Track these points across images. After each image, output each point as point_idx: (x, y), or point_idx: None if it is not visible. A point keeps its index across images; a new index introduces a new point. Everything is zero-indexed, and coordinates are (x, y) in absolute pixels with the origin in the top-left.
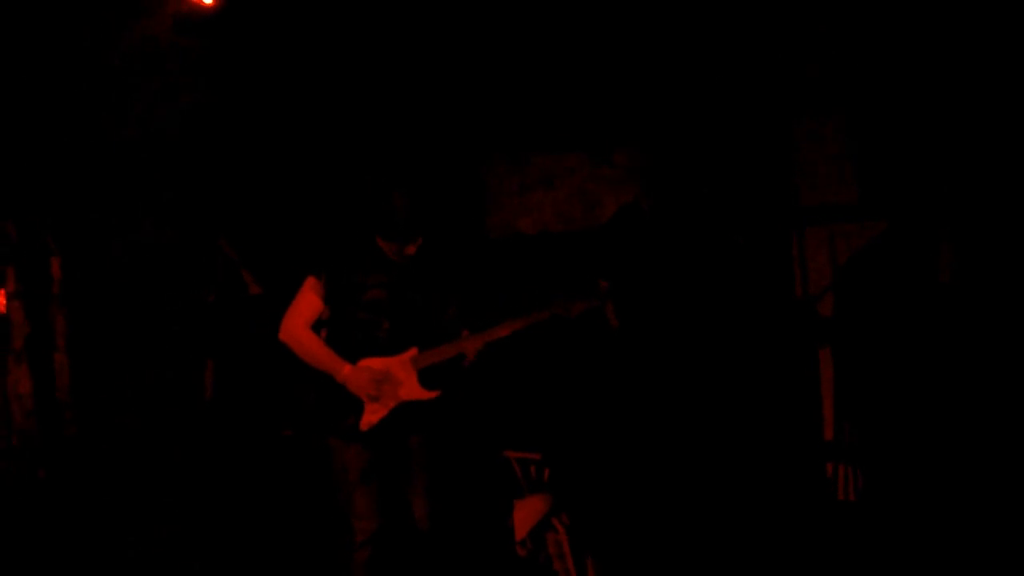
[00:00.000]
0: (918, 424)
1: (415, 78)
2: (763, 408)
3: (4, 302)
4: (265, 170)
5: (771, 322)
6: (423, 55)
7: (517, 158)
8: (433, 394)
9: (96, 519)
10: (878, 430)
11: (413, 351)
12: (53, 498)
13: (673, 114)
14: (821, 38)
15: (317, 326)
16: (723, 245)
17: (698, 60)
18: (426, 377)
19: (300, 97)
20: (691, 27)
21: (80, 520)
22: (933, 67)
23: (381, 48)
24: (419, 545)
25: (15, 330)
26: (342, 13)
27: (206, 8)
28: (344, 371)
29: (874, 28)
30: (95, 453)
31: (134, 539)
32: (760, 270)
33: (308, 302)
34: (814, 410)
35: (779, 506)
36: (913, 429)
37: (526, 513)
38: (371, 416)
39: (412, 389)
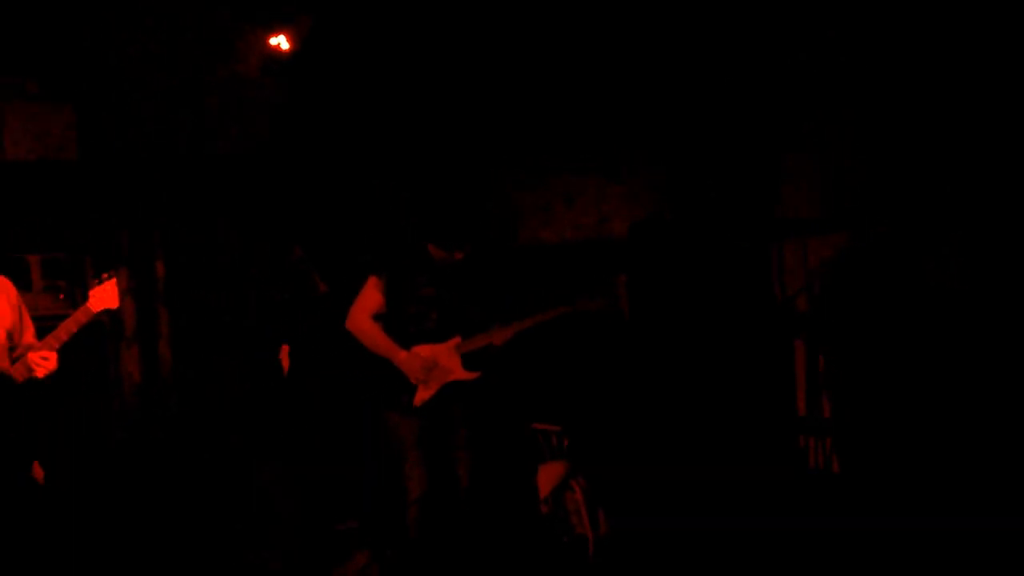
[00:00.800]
0: (878, 401)
1: (459, 119)
2: (750, 388)
3: (117, 301)
4: (333, 187)
5: (758, 316)
6: (468, 102)
7: (543, 180)
8: (474, 375)
9: (190, 479)
10: (845, 407)
11: (457, 339)
12: (155, 460)
13: (686, 145)
14: (805, 97)
15: (376, 319)
16: (729, 251)
17: (702, 107)
18: (468, 361)
19: (362, 129)
20: (699, 82)
21: (177, 480)
22: (891, 115)
23: (433, 95)
24: (460, 501)
25: (127, 321)
26: (396, 55)
27: (283, 54)
28: (400, 356)
29: (849, 86)
30: (192, 422)
31: (223, 493)
32: (751, 273)
33: (371, 297)
34: (790, 390)
35: (760, 470)
36: (874, 405)
37: (548, 476)
38: (423, 394)
39: (456, 371)
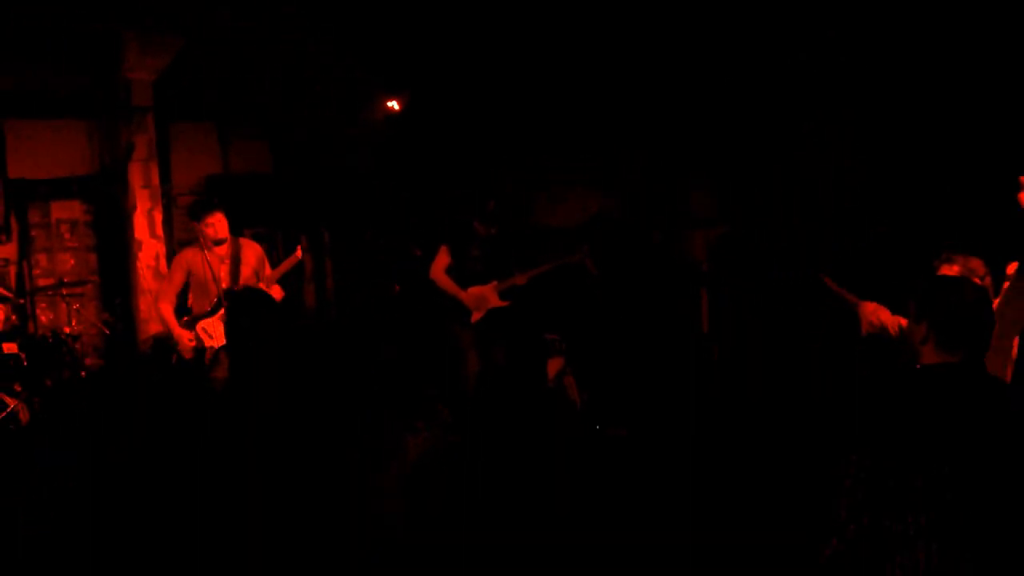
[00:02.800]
0: (738, 322)
1: (498, 152)
2: (672, 315)
3: (300, 254)
4: (418, 188)
5: (678, 273)
6: (503, 143)
7: (547, 186)
8: (506, 303)
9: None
10: (728, 328)
11: (495, 282)
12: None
13: (637, 167)
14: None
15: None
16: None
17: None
18: (502, 294)
19: (437, 158)
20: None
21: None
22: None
23: (484, 138)
24: (499, 377)
25: (306, 268)
26: (459, 115)
27: (394, 111)
28: (461, 295)
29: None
30: (343, 324)
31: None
32: (671, 248)
33: (442, 258)
34: (698, 320)
35: (675, 362)
36: (735, 324)
37: (553, 367)
38: (475, 316)
39: (495, 301)
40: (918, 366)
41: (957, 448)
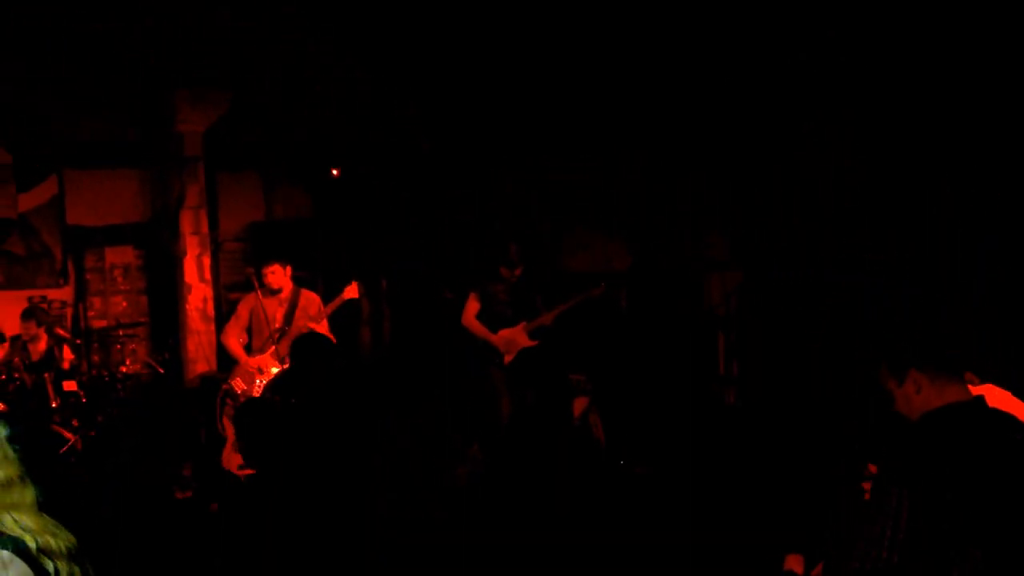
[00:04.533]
0: (759, 365)
1: (526, 209)
2: (692, 356)
3: (357, 293)
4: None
5: (696, 316)
6: (537, 200)
7: (573, 232)
8: (535, 343)
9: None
10: (746, 370)
11: (523, 323)
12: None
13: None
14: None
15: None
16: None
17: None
18: (531, 335)
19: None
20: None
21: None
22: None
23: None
24: (528, 416)
25: (363, 311)
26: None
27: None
28: (492, 338)
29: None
30: (398, 361)
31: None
32: (690, 293)
33: (472, 305)
34: (715, 359)
35: (694, 403)
36: (765, 370)
37: (578, 405)
38: (508, 357)
39: (525, 342)
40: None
41: (995, 480)
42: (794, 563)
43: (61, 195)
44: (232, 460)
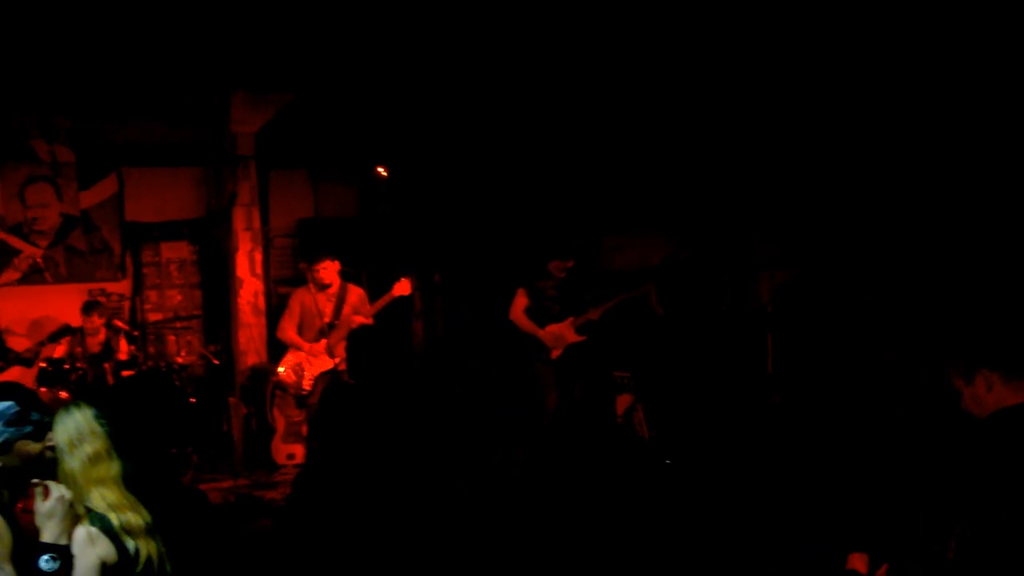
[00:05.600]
0: (812, 364)
1: (575, 214)
2: (738, 355)
3: (409, 291)
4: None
5: (744, 313)
6: (583, 209)
7: (613, 235)
8: (583, 338)
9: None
10: (793, 367)
11: (571, 319)
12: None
13: (691, 219)
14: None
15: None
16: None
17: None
18: (579, 331)
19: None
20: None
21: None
22: None
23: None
24: (575, 412)
25: (416, 305)
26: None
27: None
28: (540, 333)
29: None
30: (454, 349)
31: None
32: (738, 290)
33: (520, 301)
34: (763, 357)
35: (742, 402)
36: (809, 366)
37: (622, 402)
38: (555, 353)
39: (572, 338)
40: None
41: None
42: (858, 562)
43: (120, 192)
44: (281, 450)
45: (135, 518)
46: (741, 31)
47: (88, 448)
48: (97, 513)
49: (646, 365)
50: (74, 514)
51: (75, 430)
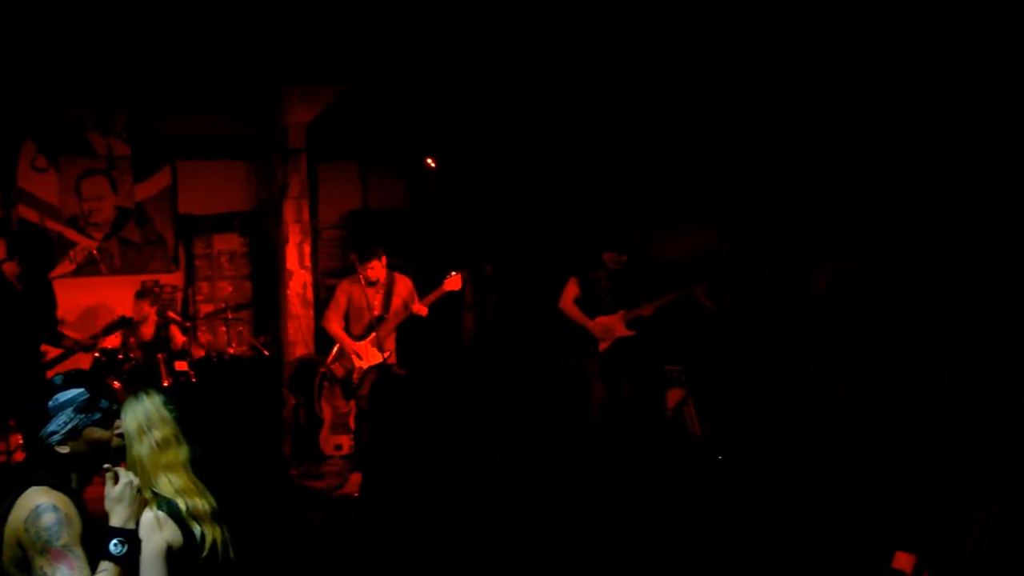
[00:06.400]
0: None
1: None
2: (795, 348)
3: (460, 287)
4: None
5: (799, 308)
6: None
7: (664, 227)
8: (633, 333)
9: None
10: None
11: (622, 312)
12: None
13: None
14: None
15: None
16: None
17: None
18: (629, 325)
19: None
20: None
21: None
22: None
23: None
24: (623, 406)
25: (467, 298)
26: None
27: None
28: (589, 324)
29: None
30: (503, 340)
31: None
32: (794, 283)
33: (571, 290)
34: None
35: (797, 400)
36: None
37: (672, 397)
38: (604, 345)
39: (622, 332)
40: None
41: None
42: (904, 562)
43: (174, 185)
44: (329, 441)
45: (202, 503)
46: (798, 16)
47: (157, 434)
48: (164, 497)
49: (698, 358)
50: (142, 499)
51: (144, 416)
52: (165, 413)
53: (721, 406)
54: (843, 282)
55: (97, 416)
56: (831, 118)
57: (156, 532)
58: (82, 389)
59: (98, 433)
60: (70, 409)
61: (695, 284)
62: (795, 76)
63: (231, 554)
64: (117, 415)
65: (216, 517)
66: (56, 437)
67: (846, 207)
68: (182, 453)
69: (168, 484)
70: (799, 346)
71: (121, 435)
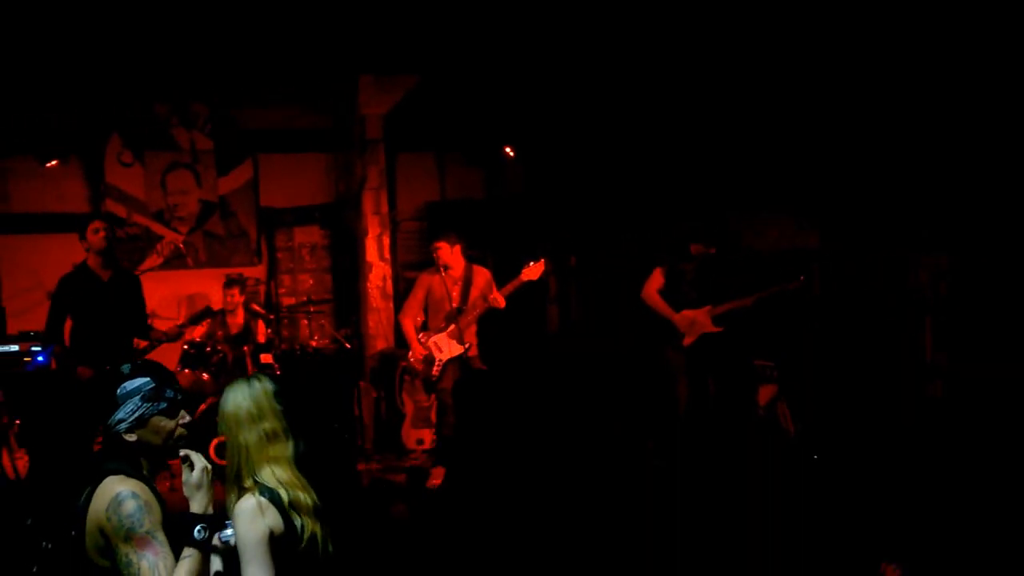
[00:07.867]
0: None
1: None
2: (896, 342)
3: (537, 277)
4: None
5: (901, 298)
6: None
7: (753, 216)
8: (720, 329)
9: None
10: (957, 361)
11: (709, 307)
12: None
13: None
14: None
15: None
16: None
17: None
18: (716, 320)
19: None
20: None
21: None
22: None
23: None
24: (709, 404)
25: (551, 290)
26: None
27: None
28: (674, 316)
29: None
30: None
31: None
32: (893, 274)
33: (656, 280)
34: (920, 347)
35: (895, 397)
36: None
37: (765, 393)
38: (688, 339)
39: (708, 327)
40: None
41: None
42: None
43: (255, 178)
44: (411, 435)
45: (304, 497)
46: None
47: (267, 425)
48: (267, 486)
49: (791, 354)
50: (237, 487)
51: (255, 405)
52: (276, 406)
53: (816, 403)
54: (944, 275)
55: (163, 406)
56: (938, 104)
57: (259, 518)
58: (148, 378)
59: (164, 422)
60: (137, 397)
61: (790, 282)
62: (898, 65)
63: (330, 549)
64: (183, 405)
65: (317, 512)
66: (124, 425)
67: (949, 198)
68: (289, 448)
69: (271, 475)
70: (896, 341)
71: (186, 426)
